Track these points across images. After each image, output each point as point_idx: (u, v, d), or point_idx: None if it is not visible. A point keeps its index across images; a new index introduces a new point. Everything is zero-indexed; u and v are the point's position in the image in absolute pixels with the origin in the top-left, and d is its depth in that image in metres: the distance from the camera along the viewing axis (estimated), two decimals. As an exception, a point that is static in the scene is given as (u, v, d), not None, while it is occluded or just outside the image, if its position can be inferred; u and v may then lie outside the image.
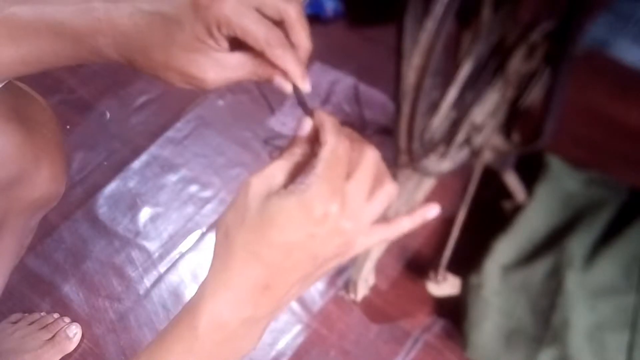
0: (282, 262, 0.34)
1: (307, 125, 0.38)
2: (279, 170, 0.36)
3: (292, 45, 0.38)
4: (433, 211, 0.40)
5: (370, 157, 0.37)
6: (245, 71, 0.38)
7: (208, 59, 0.36)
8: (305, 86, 0.38)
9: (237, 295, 0.34)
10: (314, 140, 0.38)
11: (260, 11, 0.36)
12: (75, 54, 0.38)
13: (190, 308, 0.35)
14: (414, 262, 0.95)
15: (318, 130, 0.37)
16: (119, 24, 0.36)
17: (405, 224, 0.39)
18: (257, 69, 0.38)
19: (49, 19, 0.37)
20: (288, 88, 0.38)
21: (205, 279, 0.36)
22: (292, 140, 0.38)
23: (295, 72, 0.37)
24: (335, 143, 0.36)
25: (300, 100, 0.38)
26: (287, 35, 0.37)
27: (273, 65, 0.37)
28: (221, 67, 0.37)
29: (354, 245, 0.37)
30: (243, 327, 0.35)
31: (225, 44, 0.36)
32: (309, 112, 0.38)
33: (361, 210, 0.36)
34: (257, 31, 0.35)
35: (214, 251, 0.36)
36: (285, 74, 0.38)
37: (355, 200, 0.35)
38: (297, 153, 0.37)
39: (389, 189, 0.38)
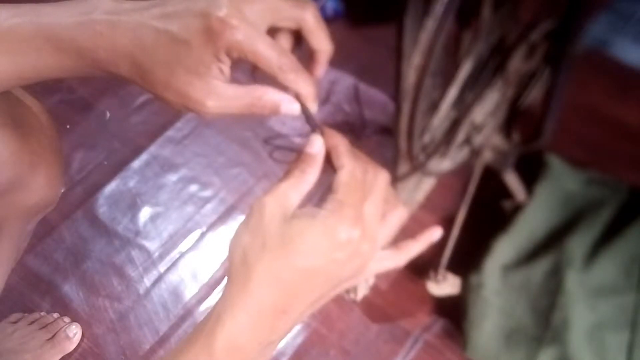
0: (303, 286, 0.34)
1: (318, 143, 0.38)
2: (291, 189, 0.36)
3: (312, 51, 0.38)
4: (437, 234, 0.42)
5: (383, 179, 0.37)
6: (243, 102, 0.37)
7: (207, 85, 0.35)
8: (314, 107, 0.38)
9: (255, 321, 0.34)
10: (324, 158, 0.38)
11: (276, 25, 0.36)
12: (75, 68, 0.37)
13: (206, 331, 0.35)
14: (414, 262, 0.94)
15: (329, 150, 0.37)
16: (122, 38, 0.35)
17: (414, 249, 0.41)
18: (258, 102, 0.37)
19: (49, 32, 0.36)
20: (297, 112, 0.38)
21: (221, 301, 0.35)
22: (301, 157, 0.38)
23: (307, 95, 0.37)
24: (353, 167, 0.36)
25: (308, 118, 0.38)
26: (307, 41, 0.37)
27: (277, 95, 0.37)
28: (218, 96, 0.36)
29: (367, 267, 0.37)
30: (258, 349, 0.35)
31: (227, 71, 0.36)
32: (317, 129, 0.38)
33: (377, 232, 0.36)
34: (269, 57, 0.35)
35: (230, 274, 0.36)
36: (297, 96, 0.38)
37: (372, 222, 0.36)
38: (306, 171, 0.37)
39: (400, 212, 0.39)
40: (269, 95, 0.37)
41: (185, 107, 0.37)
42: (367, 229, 0.35)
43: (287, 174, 0.37)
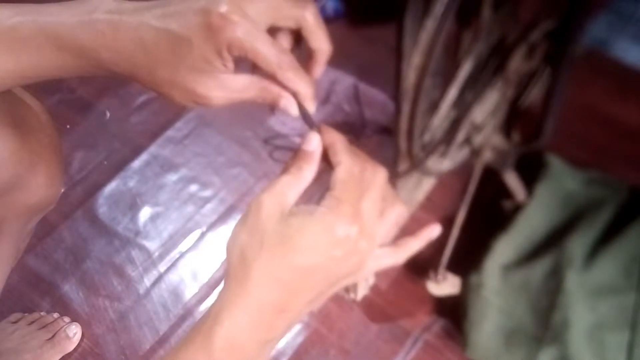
0: (301, 284, 0.34)
1: (315, 140, 0.38)
2: (288, 187, 0.36)
3: (311, 51, 0.38)
4: (436, 231, 0.42)
5: (381, 176, 0.37)
6: (249, 94, 0.37)
7: (212, 80, 0.36)
8: (312, 106, 0.39)
9: (254, 319, 0.34)
10: (321, 156, 0.38)
11: (276, 24, 0.37)
12: (77, 67, 0.38)
13: (204, 330, 0.35)
14: (414, 261, 0.94)
15: (326, 147, 0.38)
16: (123, 38, 0.35)
17: (413, 246, 0.41)
18: (262, 93, 0.38)
19: (50, 31, 0.36)
20: (294, 111, 0.38)
21: (219, 300, 0.35)
22: (298, 154, 0.38)
23: (306, 94, 0.38)
24: (350, 164, 0.36)
25: (305, 116, 0.39)
26: (306, 41, 0.38)
27: (278, 89, 0.37)
28: (225, 88, 0.36)
29: (365, 265, 0.37)
30: (257, 348, 0.35)
31: (231, 66, 0.36)
32: (314, 127, 0.38)
33: (375, 229, 0.36)
34: (269, 54, 0.35)
35: (228, 273, 0.36)
36: (295, 95, 0.38)
37: (370, 219, 0.36)
38: (304, 168, 0.37)
39: (398, 209, 0.39)
40: (272, 87, 0.37)
41: (192, 102, 0.37)
42: (365, 226, 0.35)
43: (284, 171, 0.37)
